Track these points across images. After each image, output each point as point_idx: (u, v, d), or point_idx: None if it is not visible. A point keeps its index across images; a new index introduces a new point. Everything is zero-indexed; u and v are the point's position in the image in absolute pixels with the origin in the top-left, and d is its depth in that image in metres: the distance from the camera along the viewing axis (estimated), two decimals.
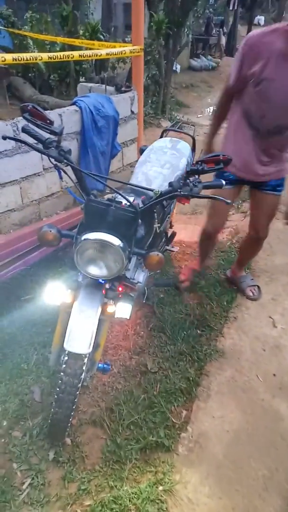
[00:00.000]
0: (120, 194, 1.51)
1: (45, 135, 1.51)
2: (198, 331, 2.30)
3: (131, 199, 1.58)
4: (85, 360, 1.42)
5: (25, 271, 2.53)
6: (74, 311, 1.45)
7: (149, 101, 6.59)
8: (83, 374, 1.44)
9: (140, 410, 1.82)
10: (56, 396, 1.47)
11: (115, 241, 1.42)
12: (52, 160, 1.51)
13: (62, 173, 1.56)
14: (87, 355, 1.41)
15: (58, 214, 3.14)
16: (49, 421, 1.57)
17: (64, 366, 1.41)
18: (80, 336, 1.39)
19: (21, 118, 2.70)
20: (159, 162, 2.34)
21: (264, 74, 1.74)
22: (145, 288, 2.19)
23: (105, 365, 1.72)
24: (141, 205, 1.65)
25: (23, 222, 2.94)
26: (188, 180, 1.53)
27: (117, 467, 1.60)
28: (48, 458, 1.63)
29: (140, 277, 1.84)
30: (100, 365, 1.71)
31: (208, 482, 1.54)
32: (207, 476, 1.56)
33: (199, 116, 7.47)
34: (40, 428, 1.75)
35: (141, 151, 2.65)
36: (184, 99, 8.49)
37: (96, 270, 1.48)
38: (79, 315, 1.43)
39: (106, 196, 1.60)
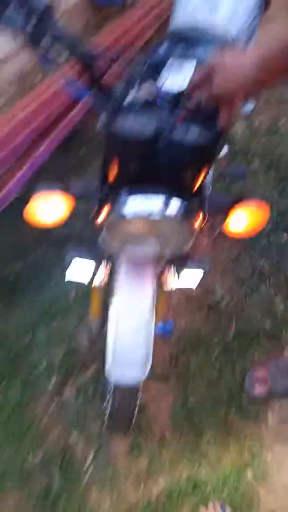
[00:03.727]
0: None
1: None
2: (285, 235, 1.67)
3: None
4: (141, 384, 0.95)
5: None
6: (114, 316, 0.89)
7: None
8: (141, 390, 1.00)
9: (214, 359, 1.44)
10: (108, 413, 1.09)
11: (180, 207, 0.73)
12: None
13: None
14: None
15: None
16: (106, 416, 1.24)
17: (111, 392, 0.97)
18: (129, 362, 0.89)
19: None
20: None
21: None
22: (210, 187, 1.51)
23: (166, 325, 1.27)
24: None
25: None
26: None
27: (191, 437, 1.33)
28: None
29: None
30: (159, 325, 1.26)
31: None
32: None
33: None
34: (95, 384, 1.47)
35: None
36: None
37: (143, 250, 0.83)
38: (124, 328, 0.88)
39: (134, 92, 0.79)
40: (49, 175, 1.97)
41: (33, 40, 0.68)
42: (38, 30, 0.68)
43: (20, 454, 1.36)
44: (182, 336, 1.51)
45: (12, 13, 0.66)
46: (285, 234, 1.67)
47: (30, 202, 0.85)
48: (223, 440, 1.31)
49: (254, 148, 1.94)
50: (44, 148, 1.79)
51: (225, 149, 1.62)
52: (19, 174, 1.68)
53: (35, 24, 0.67)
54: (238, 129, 2.00)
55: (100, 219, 0.79)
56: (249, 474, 1.23)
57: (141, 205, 0.73)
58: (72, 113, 1.89)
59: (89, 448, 1.37)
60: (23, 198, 1.64)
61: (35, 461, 1.34)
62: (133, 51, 2.25)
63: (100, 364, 1.48)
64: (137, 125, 0.68)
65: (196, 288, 1.52)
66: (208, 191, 0.93)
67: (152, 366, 1.42)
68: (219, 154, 1.05)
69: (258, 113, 2.07)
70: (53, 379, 1.50)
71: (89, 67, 0.72)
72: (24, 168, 1.70)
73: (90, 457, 1.35)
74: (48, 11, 0.68)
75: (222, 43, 1.04)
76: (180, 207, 0.73)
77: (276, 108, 2.08)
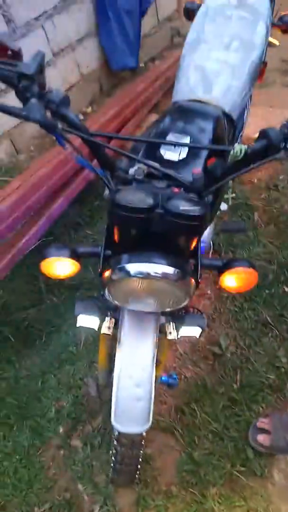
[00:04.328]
0: (172, 175, 0.84)
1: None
2: (286, 288, 1.75)
3: (178, 156, 0.92)
4: (145, 433, 1.00)
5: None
6: (118, 367, 0.97)
7: None
8: (144, 440, 1.05)
9: (219, 411, 1.47)
10: (113, 465, 1.13)
11: (174, 272, 0.82)
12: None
13: (69, 141, 0.87)
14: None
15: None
16: (111, 468, 1.26)
17: (115, 443, 1.02)
18: (132, 412, 0.95)
19: None
20: (220, 40, 1.44)
21: None
22: (211, 243, 1.61)
23: (170, 379, 1.32)
24: (201, 167, 0.96)
25: None
26: None
27: (197, 493, 1.34)
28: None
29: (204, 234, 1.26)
30: (163, 378, 1.31)
31: None
32: None
33: None
34: (101, 435, 1.50)
35: (187, 12, 1.70)
36: None
37: (143, 306, 0.93)
38: (126, 379, 0.95)
39: (135, 169, 0.89)
40: (65, 227, 2.10)
41: (50, 127, 0.75)
42: (56, 118, 0.76)
43: (28, 504, 1.37)
44: (188, 387, 1.55)
45: (32, 105, 0.73)
46: (285, 287, 1.75)
47: (42, 264, 0.94)
48: (228, 497, 1.31)
49: (254, 203, 2.07)
50: (60, 202, 1.92)
51: (224, 206, 1.73)
52: (38, 225, 1.80)
53: (52, 114, 0.76)
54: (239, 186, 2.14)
55: (104, 277, 0.88)
56: None
57: (140, 267, 0.82)
58: (86, 171, 2.04)
59: (95, 500, 1.37)
60: (39, 249, 1.76)
61: None
62: (140, 117, 2.44)
63: (106, 414, 1.52)
64: (136, 198, 0.78)
65: (200, 338, 1.57)
66: (201, 253, 1.01)
67: (157, 418, 1.47)
68: (209, 223, 1.15)
69: (258, 170, 2.21)
70: (61, 428, 1.53)
71: (94, 148, 0.83)
72: (43, 219, 1.83)
73: (96, 509, 1.36)
74: (64, 101, 0.76)
75: (216, 118, 1.18)
76: (175, 270, 0.82)
77: (274, 166, 2.23)
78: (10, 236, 1.71)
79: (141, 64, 3.13)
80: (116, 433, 1.00)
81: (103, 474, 1.41)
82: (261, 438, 1.35)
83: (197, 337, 1.10)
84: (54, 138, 0.83)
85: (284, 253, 1.85)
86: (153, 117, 2.53)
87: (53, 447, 1.50)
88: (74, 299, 1.84)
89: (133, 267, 0.81)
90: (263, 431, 1.36)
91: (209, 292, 1.81)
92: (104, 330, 1.04)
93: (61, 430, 1.53)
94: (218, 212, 1.51)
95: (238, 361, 1.59)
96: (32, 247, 1.78)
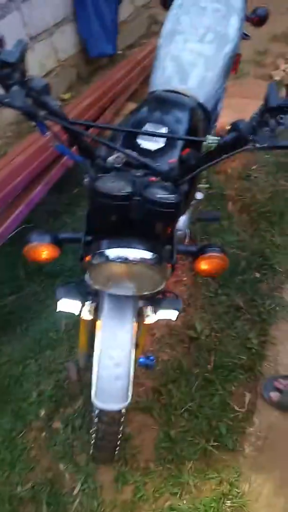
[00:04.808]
0: (147, 165, 0.88)
1: None
2: (257, 274, 1.83)
3: (155, 146, 0.97)
4: (124, 410, 1.06)
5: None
6: (98, 349, 1.01)
7: None
8: (123, 418, 1.10)
9: (194, 391, 1.55)
10: (93, 441, 1.18)
11: (151, 257, 0.87)
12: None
13: (50, 128, 0.89)
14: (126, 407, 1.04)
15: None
16: (92, 445, 1.32)
17: (96, 420, 1.07)
18: (112, 390, 1.00)
19: None
20: (195, 31, 1.48)
21: None
22: (187, 231, 1.67)
23: (147, 360, 1.38)
24: (176, 157, 1.00)
25: None
26: (266, 116, 0.81)
27: (174, 468, 1.41)
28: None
29: (180, 222, 1.31)
30: (141, 359, 1.38)
31: (284, 492, 1.33)
32: (281, 485, 1.35)
33: None
34: (82, 417, 1.55)
35: (163, 0, 1.74)
36: None
37: (122, 290, 0.97)
38: (106, 359, 1.00)
39: (114, 157, 0.92)
40: (44, 214, 2.11)
41: (32, 114, 0.78)
42: (37, 105, 0.78)
43: (10, 484, 1.41)
44: (165, 369, 1.62)
45: (15, 93, 0.75)
46: (256, 273, 1.84)
47: (24, 249, 0.97)
48: (203, 470, 1.39)
49: (228, 193, 2.14)
50: (39, 189, 1.92)
51: (199, 196, 1.78)
52: (16, 212, 1.80)
53: (34, 101, 0.78)
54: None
55: (85, 261, 0.92)
56: (228, 504, 1.31)
57: (119, 252, 0.87)
58: (64, 159, 2.04)
59: (77, 478, 1.43)
60: (18, 236, 1.77)
61: (24, 491, 1.40)
62: (118, 104, 2.45)
63: (87, 397, 1.57)
64: (116, 186, 0.83)
65: (177, 320, 1.64)
66: (177, 240, 1.06)
67: (136, 399, 1.53)
68: (184, 211, 1.21)
69: (232, 160, 2.28)
70: (43, 411, 1.57)
71: (74, 136, 0.86)
72: (22, 207, 1.83)
73: (77, 487, 1.42)
74: (45, 88, 0.79)
75: (192, 109, 1.23)
76: (153, 254, 0.87)
77: (247, 156, 2.30)
78: None
79: (119, 51, 3.12)
80: (97, 410, 1.05)
81: (84, 453, 1.46)
82: (272, 394, 1.49)
83: (174, 319, 1.16)
84: (34, 125, 0.86)
85: (255, 241, 1.93)
86: (131, 105, 2.54)
87: (34, 429, 1.53)
88: (54, 286, 1.88)
89: (112, 252, 0.86)
90: (278, 390, 1.49)
91: (185, 278, 1.87)
92: (85, 314, 1.08)
93: (42, 413, 1.57)
94: (194, 202, 1.56)
95: (212, 343, 1.66)
96: (11, 235, 1.79)
